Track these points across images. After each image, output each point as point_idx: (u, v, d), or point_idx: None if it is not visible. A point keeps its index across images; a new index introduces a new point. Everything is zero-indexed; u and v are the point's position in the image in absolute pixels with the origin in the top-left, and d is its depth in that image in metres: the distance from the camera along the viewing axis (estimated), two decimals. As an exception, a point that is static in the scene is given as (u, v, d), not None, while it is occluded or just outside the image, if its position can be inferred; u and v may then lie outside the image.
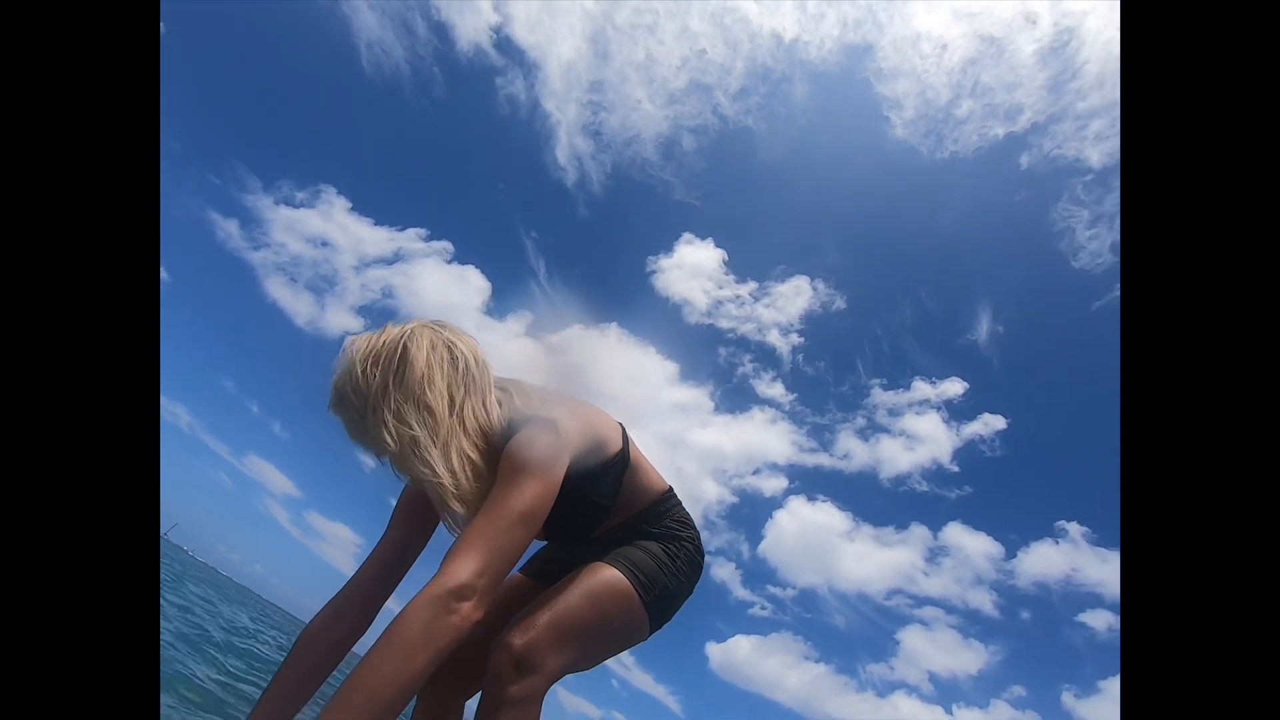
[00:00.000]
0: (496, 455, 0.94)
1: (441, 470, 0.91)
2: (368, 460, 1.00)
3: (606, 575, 1.03)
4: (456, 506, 0.91)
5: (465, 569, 0.82)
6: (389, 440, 0.91)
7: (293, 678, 1.00)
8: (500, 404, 1.02)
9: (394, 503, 1.10)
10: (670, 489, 1.21)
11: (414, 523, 1.09)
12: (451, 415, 0.95)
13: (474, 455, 0.94)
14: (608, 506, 1.09)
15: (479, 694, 0.99)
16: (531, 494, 0.88)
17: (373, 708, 0.76)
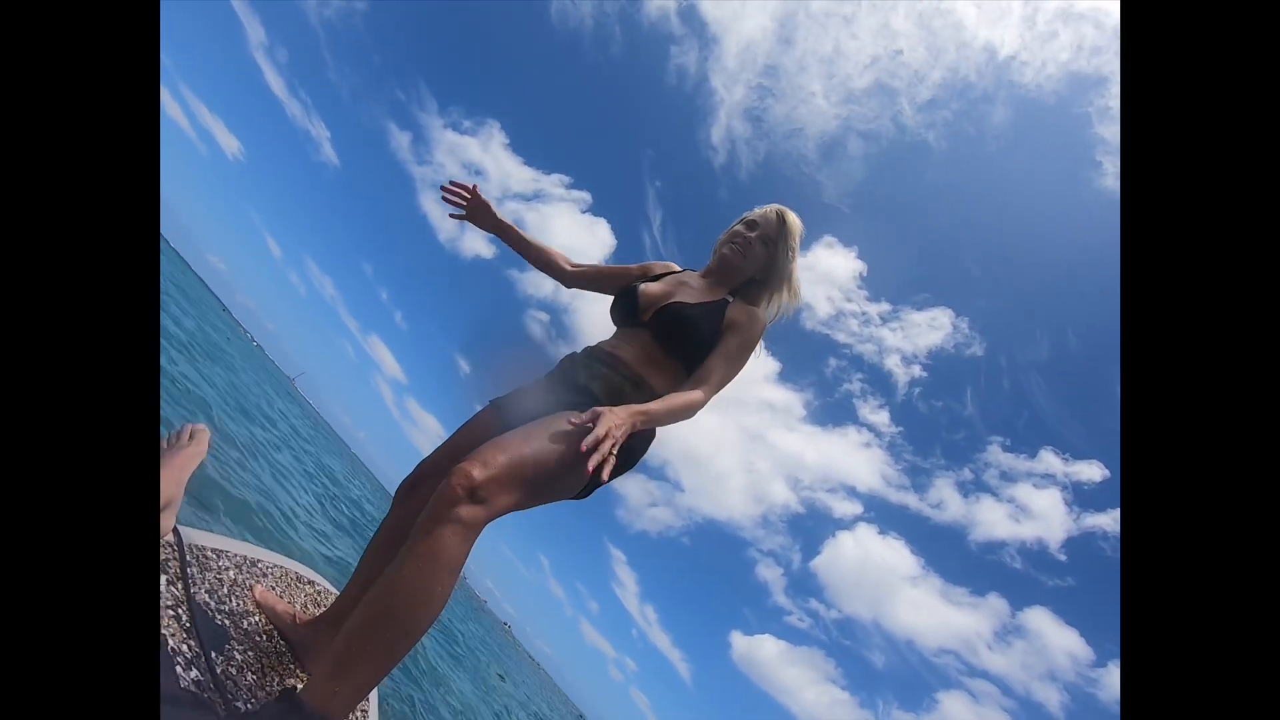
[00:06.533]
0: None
1: (779, 301, 1.53)
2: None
3: (569, 430, 1.12)
4: (773, 309, 1.52)
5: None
6: (785, 270, 1.50)
7: (532, 247, 1.66)
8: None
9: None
10: None
11: (589, 282, 1.68)
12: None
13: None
14: (702, 349, 1.38)
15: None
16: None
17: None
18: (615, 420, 1.09)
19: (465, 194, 1.61)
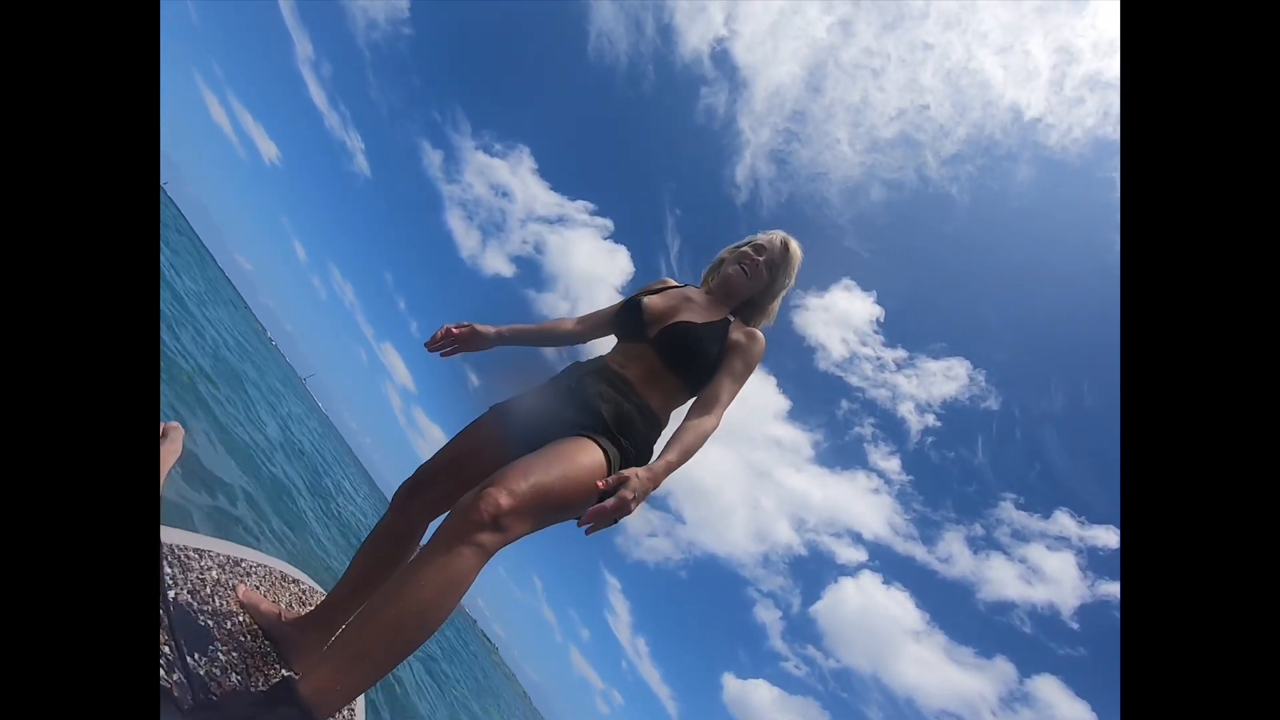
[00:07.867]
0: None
1: (769, 318, 1.58)
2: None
3: (594, 463, 1.15)
4: (763, 320, 1.57)
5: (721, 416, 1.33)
6: (779, 296, 1.56)
7: (534, 333, 1.60)
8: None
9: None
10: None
11: (599, 330, 1.60)
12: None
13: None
14: (705, 370, 1.39)
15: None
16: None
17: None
18: (638, 493, 1.08)
19: (449, 340, 1.52)
